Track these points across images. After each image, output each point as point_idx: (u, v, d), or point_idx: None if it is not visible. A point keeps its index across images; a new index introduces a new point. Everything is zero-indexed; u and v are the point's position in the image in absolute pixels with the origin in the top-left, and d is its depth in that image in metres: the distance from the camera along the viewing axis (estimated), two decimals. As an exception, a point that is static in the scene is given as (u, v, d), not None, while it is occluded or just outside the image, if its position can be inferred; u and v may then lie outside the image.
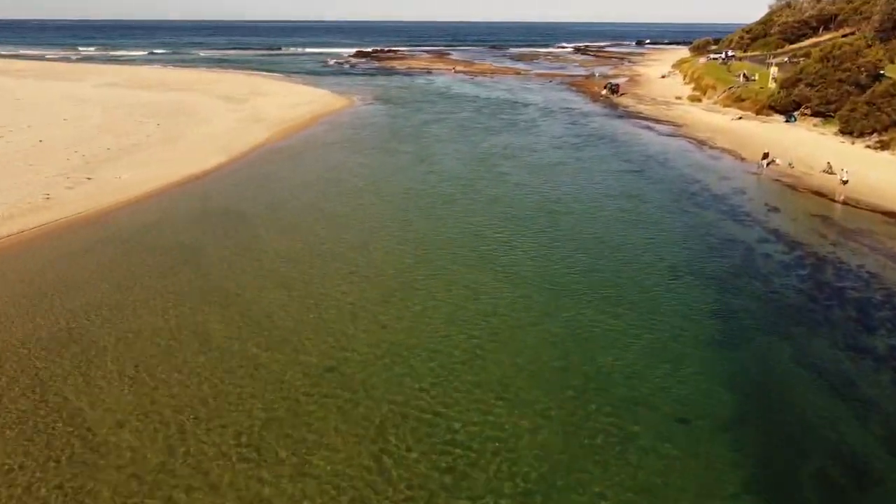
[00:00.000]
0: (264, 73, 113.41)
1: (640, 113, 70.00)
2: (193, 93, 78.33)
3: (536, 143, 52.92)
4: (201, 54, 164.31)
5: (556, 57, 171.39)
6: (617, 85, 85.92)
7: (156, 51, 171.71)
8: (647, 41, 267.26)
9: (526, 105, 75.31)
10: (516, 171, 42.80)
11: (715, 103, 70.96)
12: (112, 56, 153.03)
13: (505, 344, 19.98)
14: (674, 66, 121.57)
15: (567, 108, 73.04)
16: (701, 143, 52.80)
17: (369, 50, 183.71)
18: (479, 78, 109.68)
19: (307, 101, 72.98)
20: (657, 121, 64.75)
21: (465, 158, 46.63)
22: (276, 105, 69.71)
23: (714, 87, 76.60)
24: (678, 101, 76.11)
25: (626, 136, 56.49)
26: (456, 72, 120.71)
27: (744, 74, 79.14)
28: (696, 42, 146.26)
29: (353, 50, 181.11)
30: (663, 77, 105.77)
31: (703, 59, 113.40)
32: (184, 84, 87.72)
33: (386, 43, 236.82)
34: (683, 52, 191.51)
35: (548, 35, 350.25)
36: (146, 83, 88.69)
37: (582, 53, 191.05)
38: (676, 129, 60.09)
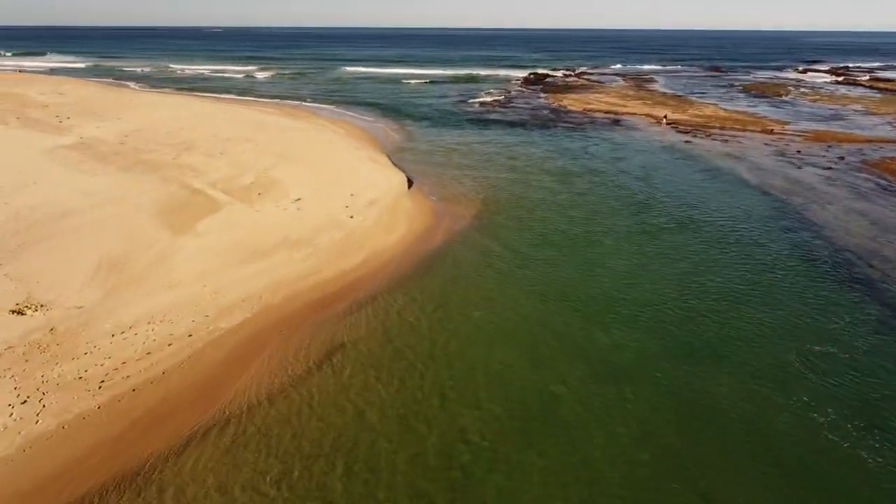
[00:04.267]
0: (367, 117, 77.02)
1: None
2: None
3: None
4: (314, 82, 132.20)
5: (815, 90, 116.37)
6: None
7: (236, 66, 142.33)
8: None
9: (862, 291, 28.93)
10: None
11: None
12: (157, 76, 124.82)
13: None
14: None
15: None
16: None
17: (543, 72, 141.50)
18: (702, 142, 63.45)
19: (313, 231, 33.11)
20: None
21: None
22: (225, 258, 30.46)
23: None
24: None
25: None
26: (665, 123, 74.74)
27: None
28: None
29: (523, 74, 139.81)
30: None
31: None
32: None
33: (576, 56, 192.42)
34: None
35: (773, 50, 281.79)
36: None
37: (850, 83, 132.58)
38: None
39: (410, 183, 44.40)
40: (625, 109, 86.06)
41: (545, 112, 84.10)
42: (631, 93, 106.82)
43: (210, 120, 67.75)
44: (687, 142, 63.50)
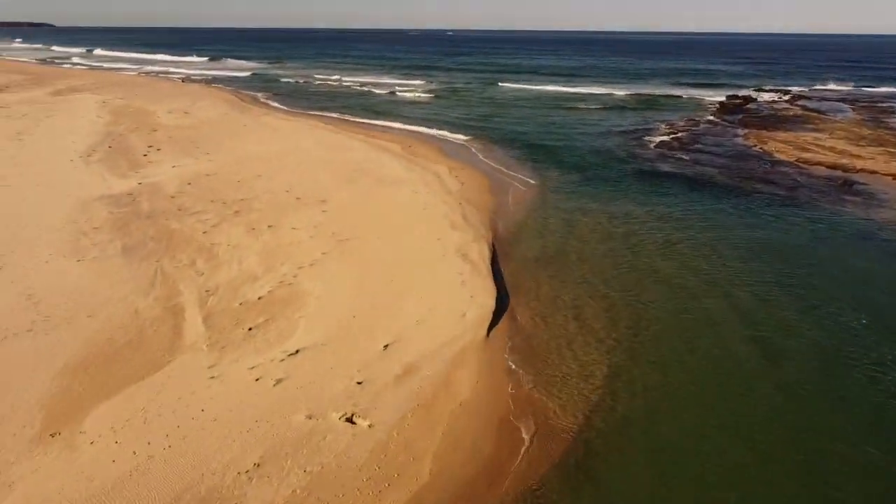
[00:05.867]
0: (501, 159, 62.98)
1: None
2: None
3: None
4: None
5: None
6: None
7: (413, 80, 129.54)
8: None
9: None
10: None
11: None
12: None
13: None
14: None
15: None
16: None
17: (745, 94, 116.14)
18: None
19: (255, 463, 18.55)
20: None
21: None
22: None
23: None
24: None
25: None
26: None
27: None
28: None
29: (718, 96, 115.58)
30: None
31: None
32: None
33: (785, 70, 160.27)
34: None
35: None
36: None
37: None
38: None
39: (500, 308, 28.00)
40: (859, 163, 62.10)
41: (742, 162, 62.79)
42: (866, 132, 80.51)
43: (302, 162, 55.69)
44: (974, 238, 40.36)
